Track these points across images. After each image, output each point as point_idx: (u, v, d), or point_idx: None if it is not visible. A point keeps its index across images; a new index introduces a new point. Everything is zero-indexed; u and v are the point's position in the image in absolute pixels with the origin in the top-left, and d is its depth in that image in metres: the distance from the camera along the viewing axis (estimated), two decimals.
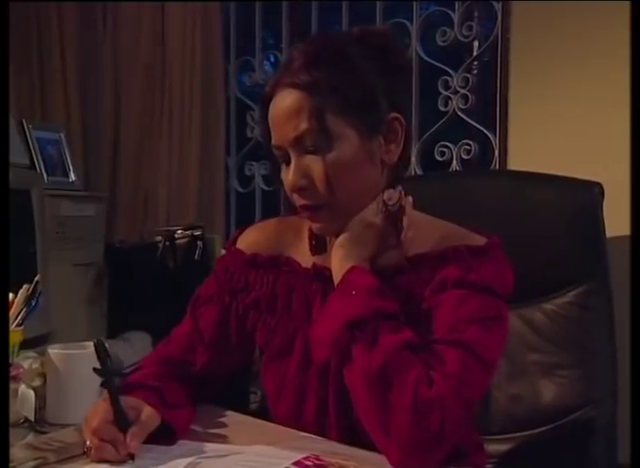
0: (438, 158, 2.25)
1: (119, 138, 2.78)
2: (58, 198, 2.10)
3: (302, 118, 0.88)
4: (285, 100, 0.90)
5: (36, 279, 1.08)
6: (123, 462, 0.80)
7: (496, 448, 1.29)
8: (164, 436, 0.86)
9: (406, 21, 2.39)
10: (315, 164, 0.89)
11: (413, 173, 2.28)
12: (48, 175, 2.16)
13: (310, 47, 0.93)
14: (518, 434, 1.28)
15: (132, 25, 2.76)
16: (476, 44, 2.24)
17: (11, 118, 1.88)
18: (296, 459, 0.78)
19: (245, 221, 1.77)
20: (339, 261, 0.91)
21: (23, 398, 0.99)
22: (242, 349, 1.03)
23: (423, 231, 0.94)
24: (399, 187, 0.94)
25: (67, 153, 2.28)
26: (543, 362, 1.28)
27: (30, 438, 0.95)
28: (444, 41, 2.26)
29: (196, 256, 2.04)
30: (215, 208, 2.75)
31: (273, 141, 0.92)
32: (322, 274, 0.96)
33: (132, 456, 0.80)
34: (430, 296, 0.90)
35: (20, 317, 1.05)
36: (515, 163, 2.01)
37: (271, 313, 0.98)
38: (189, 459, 0.80)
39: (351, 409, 0.87)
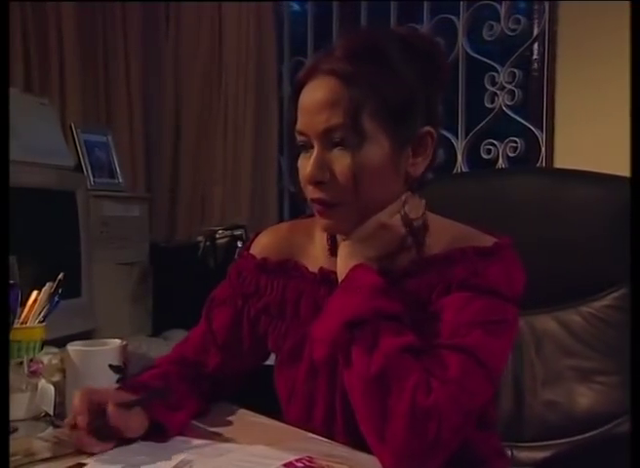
0: (484, 156, 2.19)
1: (179, 138, 2.85)
2: (102, 199, 2.16)
3: (337, 112, 0.84)
4: (321, 88, 0.86)
5: (59, 277, 1.11)
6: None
7: (529, 455, 1.24)
8: (156, 434, 0.87)
9: (453, 17, 2.35)
10: (342, 159, 0.85)
11: (459, 171, 2.24)
12: (94, 176, 2.23)
13: (354, 40, 0.90)
14: (552, 442, 1.24)
15: (192, 25, 2.82)
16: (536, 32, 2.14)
17: (49, 118, 1.95)
18: (287, 460, 0.77)
19: None
20: (344, 259, 0.89)
21: (43, 392, 1.02)
22: (255, 352, 1.03)
23: (434, 233, 0.91)
24: (422, 201, 0.91)
25: (114, 155, 2.34)
26: (580, 367, 1.23)
27: (49, 431, 0.98)
28: (490, 35, 2.21)
29: (236, 256, 2.06)
30: (267, 207, 2.77)
31: (299, 126, 0.88)
32: (329, 278, 0.94)
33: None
34: (436, 300, 0.87)
35: (42, 314, 1.08)
36: (562, 160, 1.94)
37: (282, 318, 0.97)
38: (183, 456, 0.80)
39: None
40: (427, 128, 0.89)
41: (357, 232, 0.89)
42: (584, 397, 1.22)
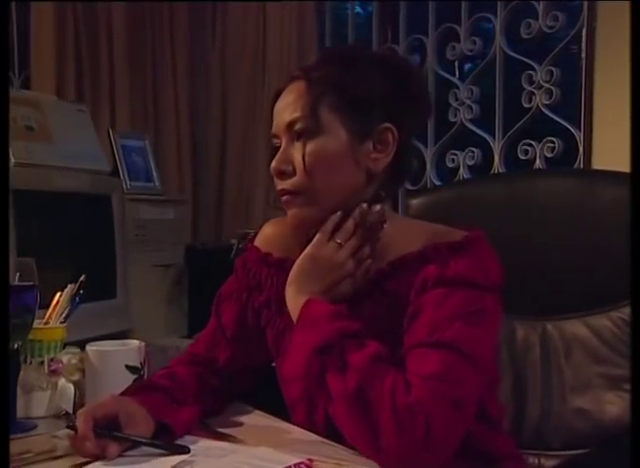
0: (521, 156, 2.15)
1: (226, 139, 2.88)
2: (138, 202, 2.21)
3: (298, 106, 0.91)
4: (290, 92, 0.94)
5: (81, 279, 1.14)
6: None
7: (556, 464, 1.21)
8: (164, 433, 0.88)
9: (491, 16, 2.32)
10: (300, 149, 0.91)
11: (496, 172, 2.20)
12: (131, 180, 2.28)
13: (329, 50, 0.99)
14: (580, 451, 1.20)
15: (238, 26, 2.85)
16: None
17: (86, 124, 2.00)
18: (286, 465, 0.78)
19: None
20: (292, 299, 0.91)
21: (62, 391, 1.05)
22: (262, 347, 1.04)
23: (409, 235, 0.94)
24: (377, 206, 0.93)
25: (152, 159, 2.39)
26: (610, 374, 1.19)
27: (66, 430, 1.00)
28: (528, 33, 2.16)
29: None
30: None
31: (272, 129, 0.96)
32: None
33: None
34: (415, 299, 0.88)
35: (63, 315, 1.11)
36: (600, 160, 1.88)
37: (280, 314, 0.99)
38: (185, 456, 0.81)
39: None
40: (387, 124, 0.92)
41: (295, 270, 0.92)
42: (613, 405, 1.18)
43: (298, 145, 0.92)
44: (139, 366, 1.05)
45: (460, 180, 2.27)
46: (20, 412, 1.02)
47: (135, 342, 1.09)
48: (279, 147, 0.94)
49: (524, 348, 1.29)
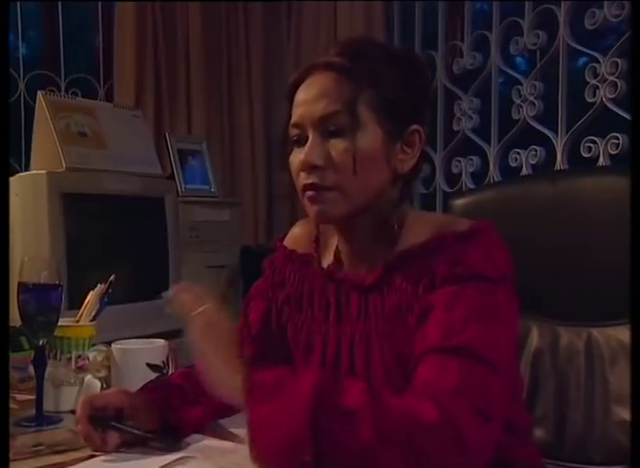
0: (584, 154, 2.05)
1: None
2: (192, 204, 2.25)
3: (334, 99, 0.88)
4: (318, 82, 0.90)
5: (111, 278, 1.18)
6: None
7: None
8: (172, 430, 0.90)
9: (554, 7, 2.23)
10: (338, 144, 0.88)
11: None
12: (186, 183, 2.33)
13: (345, 42, 0.95)
14: (624, 466, 1.14)
15: (312, 25, 2.85)
16: None
17: (141, 129, 2.06)
18: None
19: None
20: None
21: (88, 386, 1.09)
22: (285, 344, 1.03)
23: (418, 226, 0.92)
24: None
25: (208, 162, 2.44)
26: None
27: None
28: (593, 24, 2.06)
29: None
30: None
31: (294, 119, 0.92)
32: (332, 277, 0.95)
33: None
34: (423, 295, 0.85)
35: (92, 314, 1.16)
36: None
37: (299, 310, 0.99)
38: (183, 453, 0.83)
39: None
40: (416, 126, 0.91)
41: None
42: None
43: (335, 140, 0.88)
44: (160, 364, 1.08)
45: (503, 180, 2.20)
46: (49, 406, 1.07)
47: (159, 341, 1.12)
48: (298, 140, 0.92)
49: (568, 355, 1.23)
